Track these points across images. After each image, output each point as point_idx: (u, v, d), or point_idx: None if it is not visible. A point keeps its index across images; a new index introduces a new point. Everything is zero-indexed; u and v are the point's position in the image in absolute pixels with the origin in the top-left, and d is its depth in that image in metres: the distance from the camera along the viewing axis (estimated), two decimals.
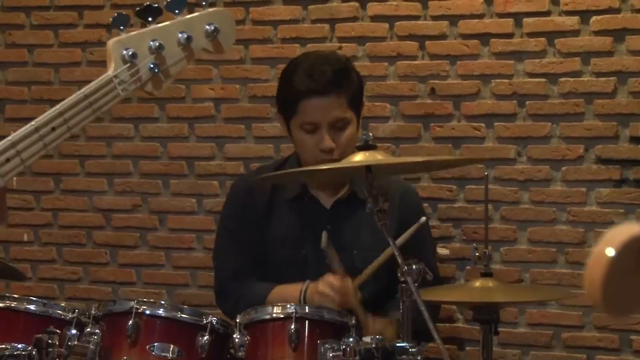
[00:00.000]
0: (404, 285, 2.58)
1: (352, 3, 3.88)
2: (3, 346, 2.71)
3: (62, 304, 2.93)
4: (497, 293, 2.91)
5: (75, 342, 2.79)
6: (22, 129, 1.86)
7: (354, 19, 3.87)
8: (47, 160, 4.19)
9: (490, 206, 3.67)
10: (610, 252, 0.94)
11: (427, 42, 3.80)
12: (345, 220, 3.32)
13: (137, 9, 1.96)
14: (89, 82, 4.45)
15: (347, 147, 3.16)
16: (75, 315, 2.85)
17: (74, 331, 2.81)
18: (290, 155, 3.40)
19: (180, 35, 1.98)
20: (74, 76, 4.17)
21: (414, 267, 2.56)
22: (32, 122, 1.86)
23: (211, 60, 3.99)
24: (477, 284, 2.94)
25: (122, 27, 1.94)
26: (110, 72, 1.91)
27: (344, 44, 3.88)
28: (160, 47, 1.94)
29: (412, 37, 3.82)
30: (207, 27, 2.02)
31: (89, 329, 2.81)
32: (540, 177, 3.70)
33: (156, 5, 1.97)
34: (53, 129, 1.86)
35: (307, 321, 2.80)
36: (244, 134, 4.00)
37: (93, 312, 2.86)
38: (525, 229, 3.72)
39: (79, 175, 4.19)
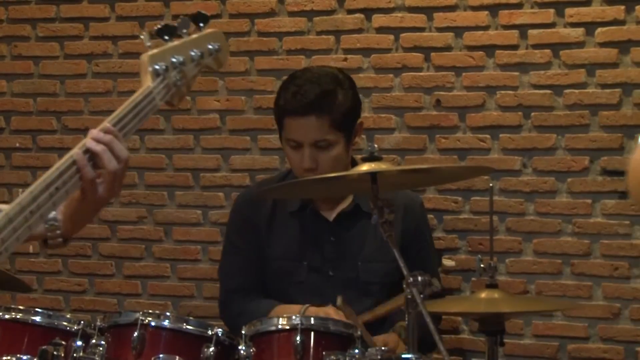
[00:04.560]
0: (409, 297, 2.57)
1: (357, 15, 3.88)
2: (9, 358, 2.71)
3: (68, 316, 2.93)
4: (502, 304, 2.91)
5: (81, 354, 2.80)
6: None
7: (359, 30, 3.87)
8: None
9: (495, 217, 3.67)
10: None
11: (433, 54, 3.80)
12: (348, 232, 3.32)
13: (158, 27, 2.08)
14: (94, 94, 4.44)
15: (330, 167, 3.18)
16: (80, 326, 2.86)
17: (79, 343, 2.82)
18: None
19: (192, 53, 2.13)
20: (80, 88, 4.17)
21: (419, 278, 2.56)
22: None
23: (217, 71, 3.99)
24: (483, 295, 2.93)
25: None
26: (150, 84, 2.02)
27: (349, 56, 3.88)
28: (183, 62, 2.09)
29: (418, 48, 3.82)
30: (210, 46, 2.18)
31: (94, 341, 2.82)
32: (545, 189, 3.69)
33: (173, 25, 2.13)
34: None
35: (312, 333, 2.79)
36: (249, 145, 4.00)
37: (98, 323, 2.87)
38: (531, 241, 3.71)
39: None
